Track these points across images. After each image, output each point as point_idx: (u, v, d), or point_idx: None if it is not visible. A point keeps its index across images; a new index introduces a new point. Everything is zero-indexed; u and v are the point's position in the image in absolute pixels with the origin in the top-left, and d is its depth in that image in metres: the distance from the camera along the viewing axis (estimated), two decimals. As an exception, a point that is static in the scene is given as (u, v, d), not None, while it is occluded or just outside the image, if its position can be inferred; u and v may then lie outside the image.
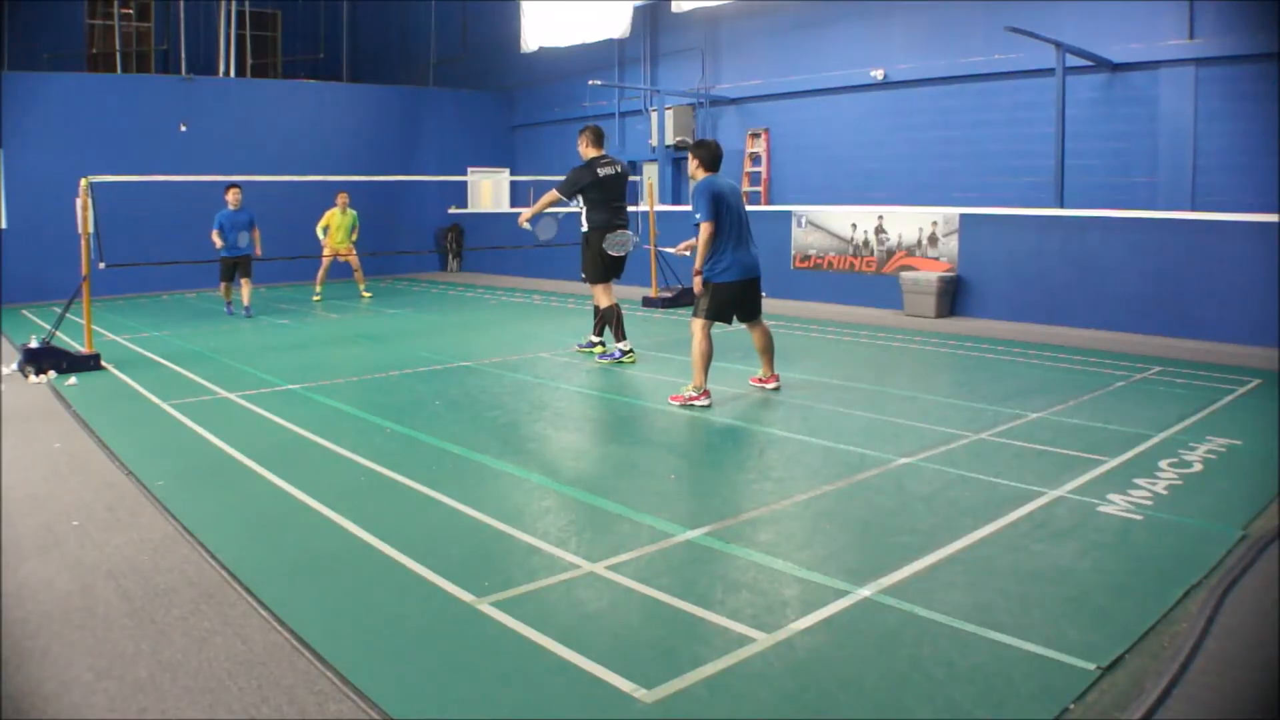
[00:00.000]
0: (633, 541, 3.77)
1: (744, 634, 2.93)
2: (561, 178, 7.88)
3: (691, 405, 6.16)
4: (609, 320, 7.94)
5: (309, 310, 12.30)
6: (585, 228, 7.81)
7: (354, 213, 13.61)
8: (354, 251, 13.60)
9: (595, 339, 8.29)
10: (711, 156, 6.37)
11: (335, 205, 13.46)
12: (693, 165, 6.41)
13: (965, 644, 2.86)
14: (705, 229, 6.13)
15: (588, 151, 7.79)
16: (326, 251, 13.30)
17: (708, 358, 6.24)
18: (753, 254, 6.35)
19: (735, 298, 6.30)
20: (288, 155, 16.02)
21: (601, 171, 7.68)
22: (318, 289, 13.75)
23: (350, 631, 3.00)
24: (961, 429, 5.55)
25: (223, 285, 12.03)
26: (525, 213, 8.08)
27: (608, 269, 7.85)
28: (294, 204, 15.33)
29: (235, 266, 11.69)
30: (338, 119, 17.78)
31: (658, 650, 2.85)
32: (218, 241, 11.44)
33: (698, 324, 6.26)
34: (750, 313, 6.47)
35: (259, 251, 11.82)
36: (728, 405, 6.31)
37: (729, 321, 6.46)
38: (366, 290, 14.11)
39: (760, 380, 6.75)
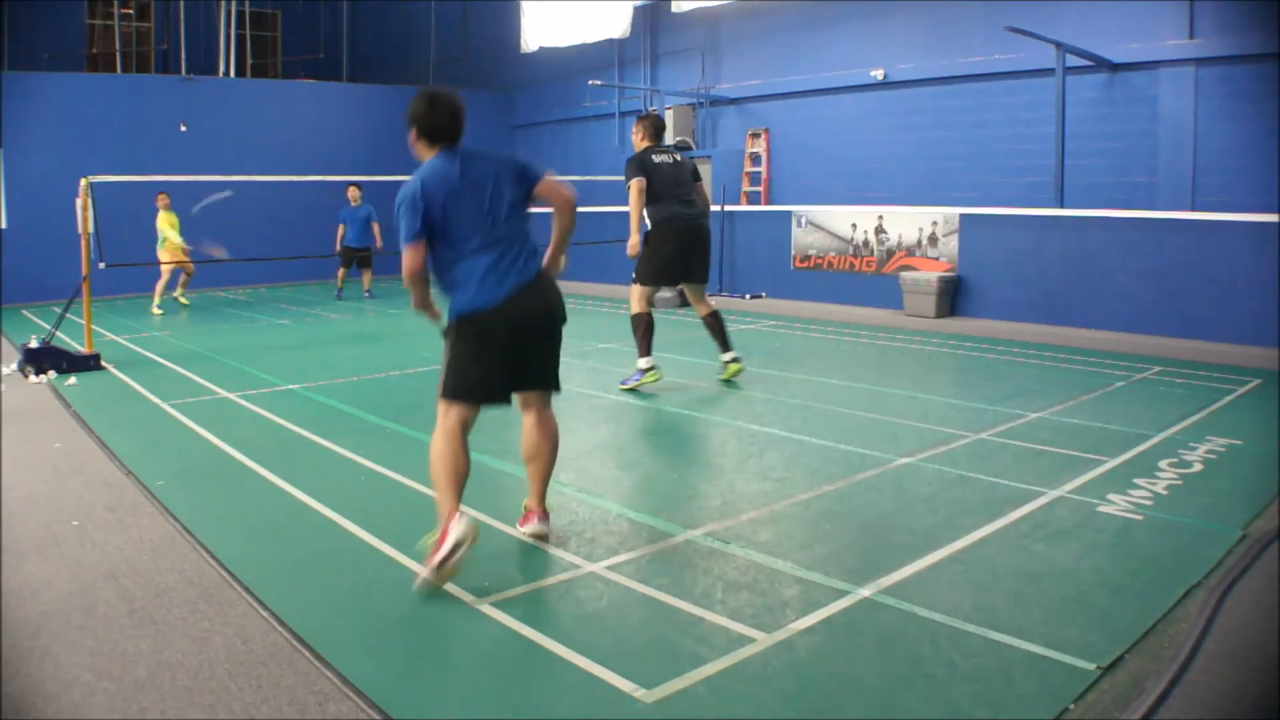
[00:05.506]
0: (633, 541, 3.77)
1: (744, 634, 2.93)
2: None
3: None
4: (638, 329, 6.78)
5: (309, 310, 12.28)
6: (648, 225, 6.79)
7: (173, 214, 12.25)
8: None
9: (645, 365, 6.78)
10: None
11: (160, 207, 12.14)
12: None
13: (965, 644, 2.86)
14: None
15: (641, 143, 6.90)
16: (180, 256, 12.22)
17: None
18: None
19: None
20: (288, 155, 15.99)
21: (657, 159, 6.76)
22: (174, 296, 12.90)
23: (350, 631, 3.00)
24: (961, 429, 5.55)
25: (341, 272, 13.72)
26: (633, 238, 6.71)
27: (660, 273, 6.83)
28: (294, 204, 15.34)
29: (355, 257, 13.43)
30: (338, 119, 17.75)
31: (658, 650, 2.85)
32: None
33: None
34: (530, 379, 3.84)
35: (379, 244, 13.43)
36: (727, 405, 6.31)
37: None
38: (185, 298, 13.11)
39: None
